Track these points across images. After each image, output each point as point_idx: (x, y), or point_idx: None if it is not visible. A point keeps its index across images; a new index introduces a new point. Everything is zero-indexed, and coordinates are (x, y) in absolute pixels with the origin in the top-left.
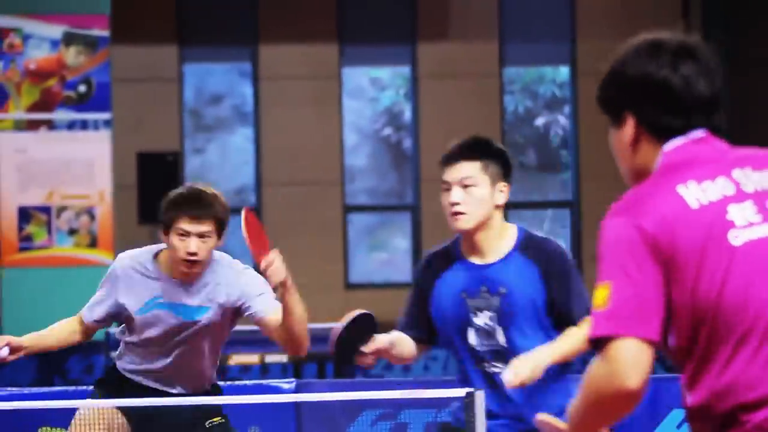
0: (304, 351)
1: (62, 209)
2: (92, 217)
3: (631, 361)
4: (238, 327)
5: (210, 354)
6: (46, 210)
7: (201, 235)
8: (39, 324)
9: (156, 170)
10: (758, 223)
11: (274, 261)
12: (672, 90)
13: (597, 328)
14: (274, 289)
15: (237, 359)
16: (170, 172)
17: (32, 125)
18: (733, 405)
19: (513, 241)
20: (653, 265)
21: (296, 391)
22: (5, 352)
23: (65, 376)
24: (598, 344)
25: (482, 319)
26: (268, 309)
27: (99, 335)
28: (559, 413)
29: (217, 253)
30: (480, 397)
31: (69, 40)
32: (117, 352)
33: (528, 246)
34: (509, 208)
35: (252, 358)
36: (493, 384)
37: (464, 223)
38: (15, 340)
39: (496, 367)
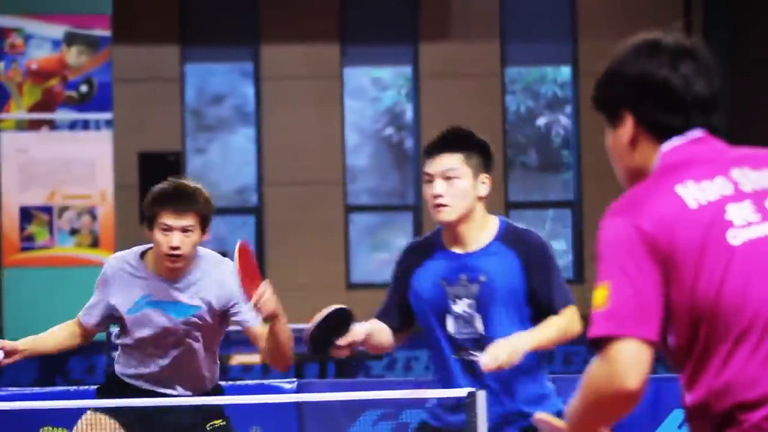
0: (287, 369)
1: (64, 209)
2: (94, 217)
3: (630, 361)
4: (239, 327)
5: (206, 354)
6: (47, 210)
7: (184, 230)
8: (40, 324)
9: (157, 170)
10: (757, 222)
11: (265, 293)
12: (672, 89)
13: (596, 328)
14: (265, 320)
15: (238, 359)
16: (172, 172)
17: (34, 125)
18: (732, 404)
19: (494, 232)
20: (652, 265)
21: (298, 391)
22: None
23: (67, 376)
24: (597, 344)
25: (461, 306)
26: (257, 319)
27: (100, 335)
28: (535, 402)
29: (202, 250)
30: (481, 397)
31: (70, 40)
32: (115, 358)
33: (509, 236)
34: (510, 208)
35: (253, 358)
36: (471, 372)
37: (447, 215)
38: (9, 344)
39: (474, 356)
